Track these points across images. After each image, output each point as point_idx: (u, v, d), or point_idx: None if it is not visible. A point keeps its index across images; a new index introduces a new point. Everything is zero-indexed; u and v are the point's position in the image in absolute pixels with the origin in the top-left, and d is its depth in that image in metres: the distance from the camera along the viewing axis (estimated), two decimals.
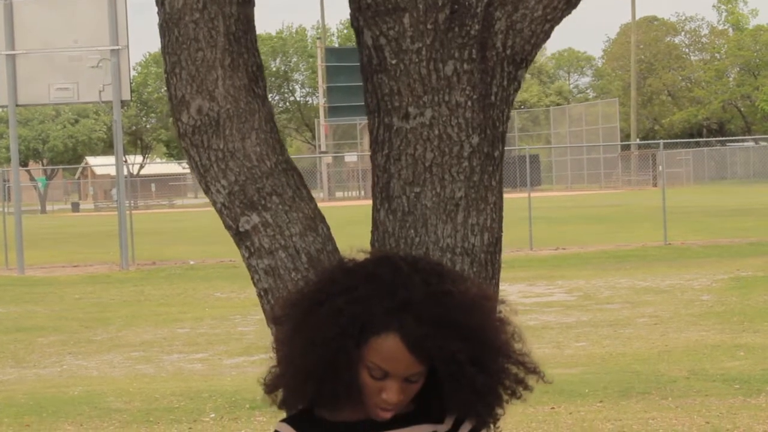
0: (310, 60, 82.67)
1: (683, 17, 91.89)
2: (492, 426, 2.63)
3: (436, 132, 2.84)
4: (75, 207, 73.06)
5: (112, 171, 61.55)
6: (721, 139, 60.94)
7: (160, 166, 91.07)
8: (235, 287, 20.30)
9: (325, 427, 2.54)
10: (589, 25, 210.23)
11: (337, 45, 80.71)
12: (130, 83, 26.55)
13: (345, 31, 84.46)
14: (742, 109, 79.61)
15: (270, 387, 2.58)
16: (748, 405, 9.52)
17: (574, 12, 3.00)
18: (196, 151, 2.91)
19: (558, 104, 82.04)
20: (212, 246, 30.68)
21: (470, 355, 2.43)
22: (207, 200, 3.04)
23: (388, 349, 2.39)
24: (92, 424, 9.72)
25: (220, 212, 2.94)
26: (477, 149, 2.85)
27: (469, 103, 2.86)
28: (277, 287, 2.89)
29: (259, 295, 2.96)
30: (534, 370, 2.59)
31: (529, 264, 22.18)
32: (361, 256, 2.54)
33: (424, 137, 2.84)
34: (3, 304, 19.17)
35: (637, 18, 79.93)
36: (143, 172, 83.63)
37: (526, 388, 2.58)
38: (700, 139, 59.53)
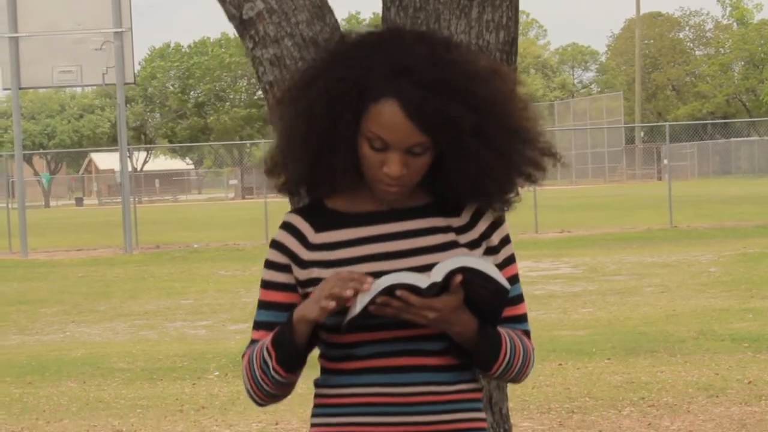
0: None
1: (687, 12, 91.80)
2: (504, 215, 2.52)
3: None
4: (79, 202, 72.88)
5: (116, 165, 61.31)
6: (726, 120, 60.64)
7: (164, 162, 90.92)
8: (240, 266, 20.20)
9: (336, 217, 2.43)
10: (593, 20, 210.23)
11: None
12: (135, 75, 26.38)
13: (346, 25, 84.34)
14: (746, 103, 79.41)
15: (270, 165, 2.47)
16: (758, 360, 9.42)
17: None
18: None
19: (561, 99, 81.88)
20: (216, 232, 30.62)
21: (473, 124, 2.30)
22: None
23: (386, 116, 2.28)
24: (95, 382, 9.64)
25: (222, 0, 2.80)
26: None
27: None
28: (283, 79, 2.74)
29: (264, 90, 2.82)
30: (548, 151, 2.44)
31: (533, 245, 22.04)
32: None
33: None
34: (6, 282, 19.07)
35: (641, 13, 79.78)
36: (148, 168, 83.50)
37: (540, 168, 2.44)
38: (708, 121, 59.11)
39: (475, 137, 2.31)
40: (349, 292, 2.23)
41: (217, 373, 9.80)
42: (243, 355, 2.47)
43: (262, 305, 2.46)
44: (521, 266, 16.61)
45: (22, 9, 24.98)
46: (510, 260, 2.46)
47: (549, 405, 7.93)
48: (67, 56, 24.91)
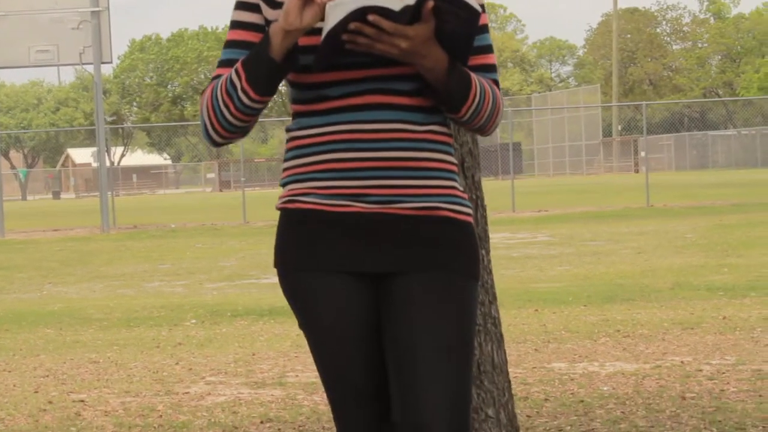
0: None
1: (665, 6, 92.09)
2: None
3: None
4: (56, 195, 72.63)
5: (93, 160, 60.93)
6: (702, 100, 60.89)
7: (141, 156, 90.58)
8: (217, 241, 20.17)
9: None
10: (570, 14, 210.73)
11: None
12: (111, 52, 26.21)
13: None
14: (723, 97, 79.68)
15: None
16: (733, 303, 9.45)
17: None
18: None
19: (539, 92, 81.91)
20: (192, 214, 30.57)
21: None
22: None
23: None
24: (72, 329, 9.61)
25: None
26: None
27: None
28: None
29: None
30: None
31: (511, 222, 22.07)
32: None
33: None
34: None
35: (618, 7, 79.96)
36: (125, 163, 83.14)
37: None
38: (684, 101, 59.29)
39: None
40: None
41: (194, 321, 9.79)
42: (203, 92, 2.43)
43: (229, 44, 2.44)
44: (498, 237, 16.59)
45: None
46: (483, 29, 2.46)
47: (525, 337, 7.96)
48: (43, 36, 24.84)
